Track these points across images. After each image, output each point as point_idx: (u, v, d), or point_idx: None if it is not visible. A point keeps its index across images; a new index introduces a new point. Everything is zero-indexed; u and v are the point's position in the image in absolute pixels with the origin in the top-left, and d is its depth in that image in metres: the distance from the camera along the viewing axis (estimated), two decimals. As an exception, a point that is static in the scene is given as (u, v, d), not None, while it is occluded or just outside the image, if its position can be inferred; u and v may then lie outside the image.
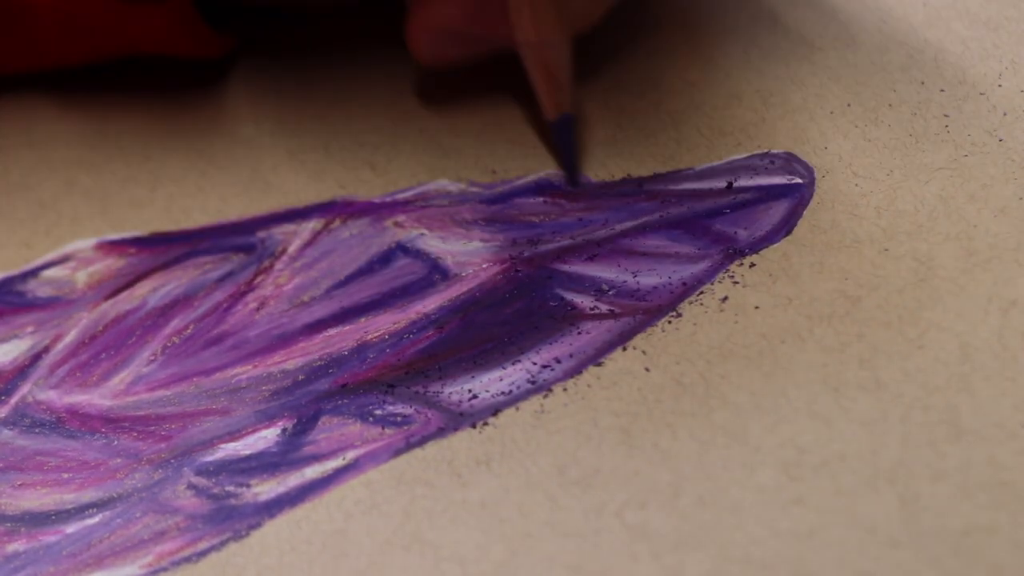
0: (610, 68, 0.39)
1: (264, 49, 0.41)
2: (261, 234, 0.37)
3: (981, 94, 0.37)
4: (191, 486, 0.32)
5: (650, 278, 0.34)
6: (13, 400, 0.34)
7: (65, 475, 0.32)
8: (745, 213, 0.35)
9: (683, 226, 0.36)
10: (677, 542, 0.30)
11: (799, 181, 0.36)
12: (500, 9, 0.36)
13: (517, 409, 0.32)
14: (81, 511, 0.32)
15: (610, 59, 0.39)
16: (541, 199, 0.37)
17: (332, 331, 0.35)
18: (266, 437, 0.33)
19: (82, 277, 0.36)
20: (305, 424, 0.33)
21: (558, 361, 0.33)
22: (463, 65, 0.39)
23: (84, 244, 0.37)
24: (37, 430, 0.33)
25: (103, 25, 0.38)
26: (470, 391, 0.33)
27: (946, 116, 0.37)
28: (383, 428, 0.32)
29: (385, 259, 0.36)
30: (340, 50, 0.41)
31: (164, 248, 0.37)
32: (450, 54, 0.38)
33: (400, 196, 0.37)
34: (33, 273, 0.36)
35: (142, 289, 0.36)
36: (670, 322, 0.33)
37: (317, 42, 0.41)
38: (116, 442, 0.33)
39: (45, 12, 0.37)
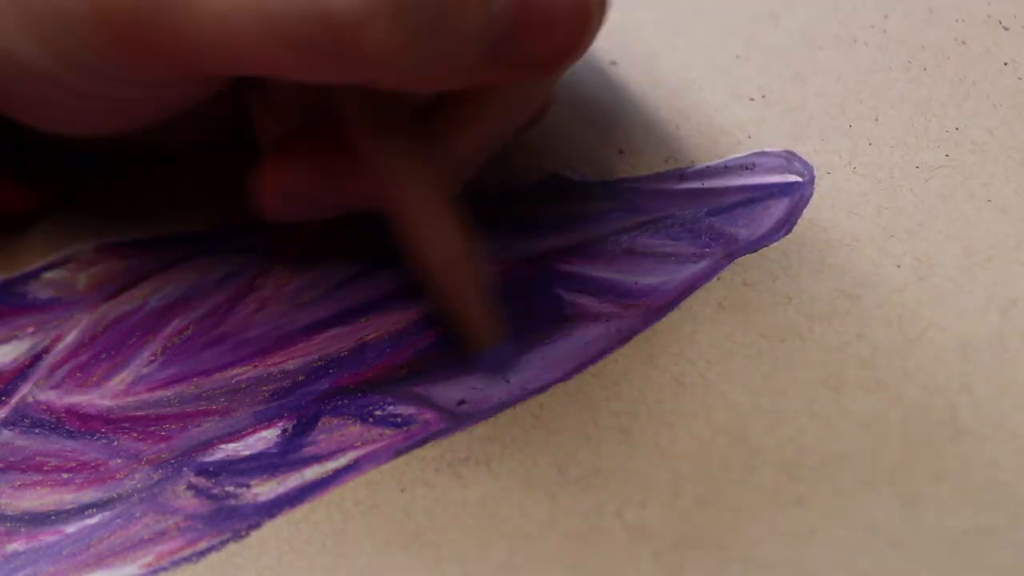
0: (610, 67, 0.39)
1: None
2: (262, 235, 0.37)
3: (981, 93, 0.37)
4: (191, 486, 0.32)
5: (650, 278, 0.34)
6: (13, 400, 0.34)
7: (65, 475, 0.32)
8: (745, 212, 0.35)
9: (683, 225, 0.35)
10: (677, 542, 0.30)
11: (799, 180, 0.36)
12: (363, 189, 0.32)
13: (517, 409, 0.32)
14: (81, 511, 0.32)
15: (609, 59, 0.39)
16: (541, 199, 0.37)
17: (332, 331, 0.34)
18: (266, 438, 0.33)
19: (83, 279, 0.36)
20: (305, 425, 0.33)
21: (558, 361, 0.33)
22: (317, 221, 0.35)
23: (85, 246, 0.37)
24: (37, 430, 0.33)
25: None
26: (470, 391, 0.33)
27: (946, 115, 0.37)
28: (383, 429, 0.32)
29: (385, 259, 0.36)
30: None
31: (165, 250, 0.37)
32: (300, 212, 0.33)
33: (400, 196, 0.37)
34: (34, 274, 0.36)
35: (142, 290, 0.36)
36: (670, 322, 0.33)
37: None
38: (116, 442, 0.33)
39: None
